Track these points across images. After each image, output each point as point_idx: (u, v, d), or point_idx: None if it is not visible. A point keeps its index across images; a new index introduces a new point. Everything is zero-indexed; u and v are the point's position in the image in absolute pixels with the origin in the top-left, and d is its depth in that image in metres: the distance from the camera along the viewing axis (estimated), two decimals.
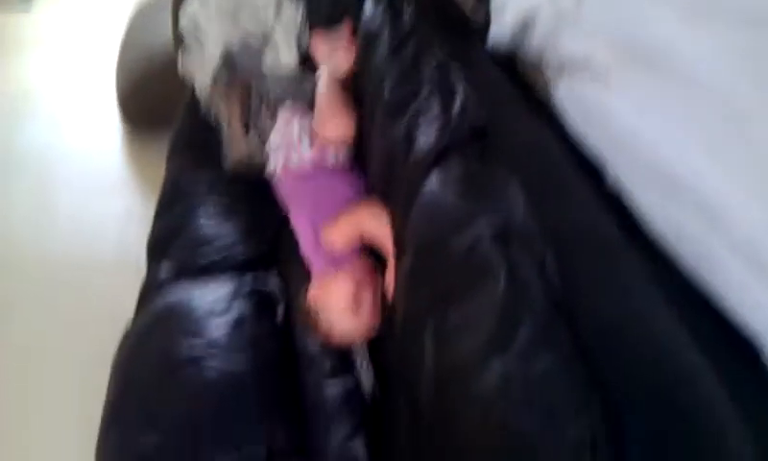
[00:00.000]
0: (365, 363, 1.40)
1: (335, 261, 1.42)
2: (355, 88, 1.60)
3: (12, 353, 2.05)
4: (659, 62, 1.06)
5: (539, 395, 0.75)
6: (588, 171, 1.17)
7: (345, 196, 1.51)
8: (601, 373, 0.76)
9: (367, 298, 1.35)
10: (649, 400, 0.74)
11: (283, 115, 1.71)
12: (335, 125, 1.56)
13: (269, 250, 1.77)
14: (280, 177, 1.67)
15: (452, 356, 0.88)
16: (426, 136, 1.14)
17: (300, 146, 1.61)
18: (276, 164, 1.67)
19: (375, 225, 1.35)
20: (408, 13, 1.45)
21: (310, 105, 1.88)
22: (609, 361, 0.77)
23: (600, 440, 0.69)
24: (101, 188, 2.65)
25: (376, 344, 1.39)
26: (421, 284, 1.03)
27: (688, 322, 0.84)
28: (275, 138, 1.71)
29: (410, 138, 1.18)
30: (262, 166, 2.00)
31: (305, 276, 1.52)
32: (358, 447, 1.25)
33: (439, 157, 1.10)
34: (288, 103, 2.02)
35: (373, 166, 1.35)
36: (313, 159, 1.58)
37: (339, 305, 1.36)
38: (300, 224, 1.58)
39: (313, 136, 1.61)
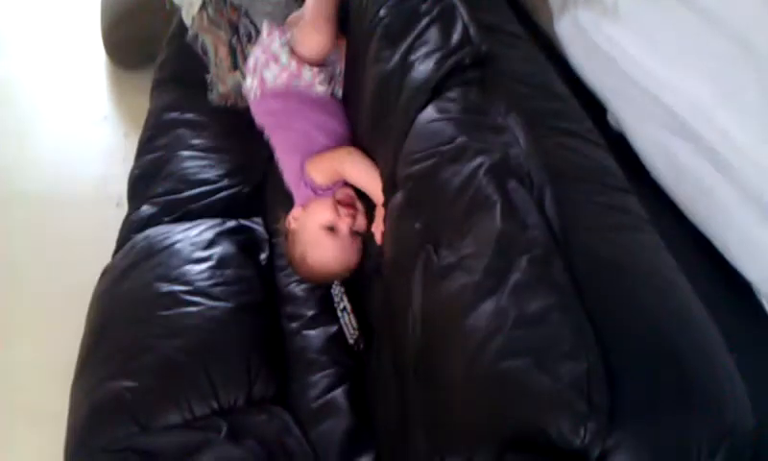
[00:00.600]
0: (348, 310, 1.35)
1: (317, 192, 1.39)
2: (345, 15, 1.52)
3: None
4: None
5: (532, 333, 0.71)
6: (590, 106, 1.12)
7: (331, 128, 1.46)
8: (596, 311, 0.71)
9: (345, 224, 1.32)
10: (643, 340, 0.70)
11: (265, 28, 1.62)
12: (314, 41, 1.48)
13: (254, 190, 1.71)
14: (258, 97, 1.59)
15: (442, 294, 0.83)
16: (424, 65, 1.07)
17: (278, 60, 1.53)
18: (254, 83, 1.59)
19: (359, 173, 1.32)
20: None
21: None
22: (604, 300, 0.73)
23: (594, 380, 0.65)
24: (84, 123, 2.56)
25: (360, 293, 1.34)
26: (413, 218, 0.98)
27: (685, 263, 0.80)
28: (255, 52, 1.62)
29: (406, 67, 1.11)
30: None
31: None
32: (339, 396, 1.22)
33: (437, 86, 1.04)
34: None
35: (363, 100, 1.28)
36: (290, 76, 1.51)
37: (315, 226, 1.33)
38: (283, 151, 1.53)
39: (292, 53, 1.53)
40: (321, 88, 1.51)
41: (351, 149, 1.38)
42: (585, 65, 1.19)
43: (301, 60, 1.50)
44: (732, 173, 0.88)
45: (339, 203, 1.34)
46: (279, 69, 1.52)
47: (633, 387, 0.67)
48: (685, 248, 0.90)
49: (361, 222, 1.33)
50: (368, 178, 1.27)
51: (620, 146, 1.08)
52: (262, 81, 1.55)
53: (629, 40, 1.06)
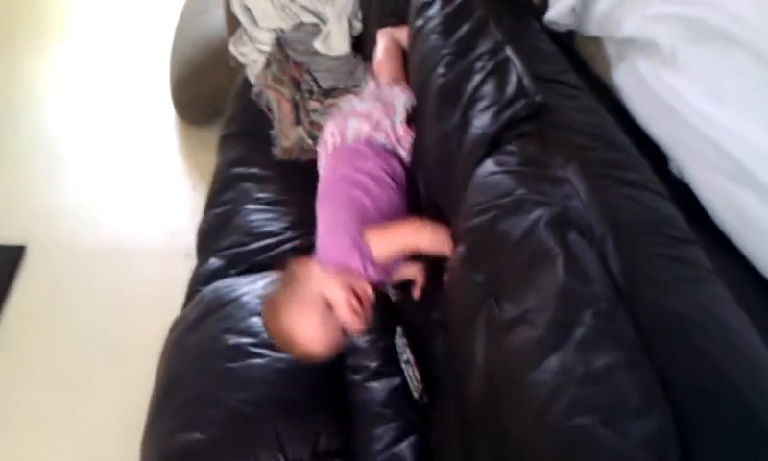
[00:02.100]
0: (411, 362, 1.35)
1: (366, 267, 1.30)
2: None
3: (63, 340, 2.09)
4: (728, 37, 0.99)
5: (599, 390, 0.70)
6: (651, 155, 1.11)
7: (392, 195, 1.41)
8: (664, 366, 0.70)
9: (345, 313, 1.23)
10: (714, 396, 0.69)
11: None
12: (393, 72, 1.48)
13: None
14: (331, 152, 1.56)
15: (506, 348, 0.83)
16: (481, 120, 1.09)
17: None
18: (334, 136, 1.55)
19: (434, 242, 1.26)
20: None
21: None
22: (672, 355, 0.72)
23: (665, 437, 0.63)
24: (154, 178, 2.67)
25: (424, 346, 1.34)
26: (474, 271, 0.98)
27: (755, 314, 0.79)
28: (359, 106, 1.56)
29: (465, 123, 1.13)
30: (312, 154, 1.99)
31: None
32: (404, 450, 1.22)
33: (494, 140, 1.05)
34: (339, 89, 2.00)
35: (427, 158, 1.30)
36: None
37: (318, 291, 1.25)
38: (343, 209, 1.42)
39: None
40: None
41: (418, 221, 1.33)
42: (644, 114, 1.18)
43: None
44: None
45: (354, 292, 1.25)
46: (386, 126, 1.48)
47: (705, 444, 0.65)
48: (754, 298, 0.87)
49: (357, 325, 1.24)
50: (444, 246, 1.21)
51: (683, 195, 1.06)
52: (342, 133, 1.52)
53: (688, 88, 1.05)
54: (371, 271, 1.29)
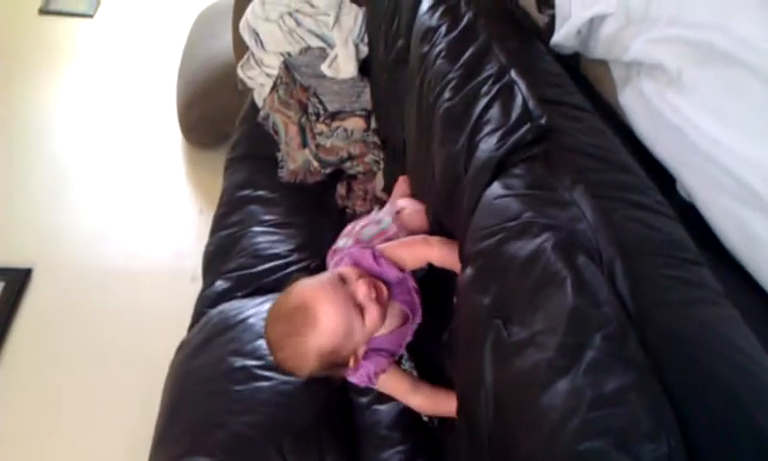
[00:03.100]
0: None
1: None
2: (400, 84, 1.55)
3: (69, 362, 2.09)
4: (734, 60, 1.00)
5: (610, 414, 0.69)
6: (658, 176, 1.11)
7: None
8: (674, 389, 0.69)
9: (369, 303, 1.18)
10: (723, 418, 0.68)
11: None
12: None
13: (322, 264, 1.75)
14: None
15: (515, 371, 0.82)
16: (487, 143, 1.09)
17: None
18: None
19: (445, 253, 1.26)
20: (468, 16, 1.40)
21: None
22: (682, 377, 0.71)
23: None
24: (161, 201, 2.69)
25: (431, 367, 1.33)
26: (482, 294, 0.97)
27: (764, 336, 0.78)
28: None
29: (472, 147, 1.13)
30: (317, 177, 2.00)
31: None
32: None
33: (501, 163, 1.05)
34: (346, 112, 2.02)
35: (434, 179, 1.30)
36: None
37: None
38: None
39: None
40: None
41: (425, 237, 1.33)
42: (651, 136, 1.18)
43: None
44: None
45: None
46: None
47: None
48: (763, 319, 0.87)
49: (374, 310, 1.18)
50: (453, 260, 1.19)
51: (691, 216, 1.06)
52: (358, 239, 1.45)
53: (695, 110, 1.05)
54: (383, 264, 1.27)
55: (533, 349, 0.80)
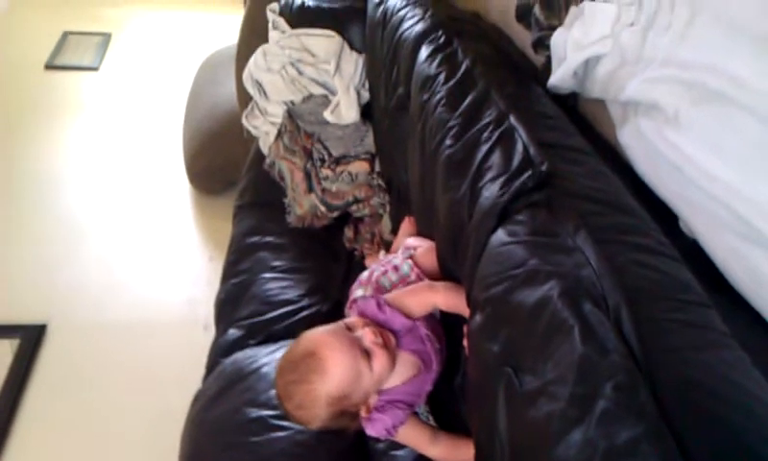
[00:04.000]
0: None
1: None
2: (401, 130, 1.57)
3: (85, 417, 2.10)
4: (729, 97, 1.01)
5: None
6: (661, 214, 1.12)
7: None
8: (685, 437, 0.70)
9: (374, 347, 1.19)
10: None
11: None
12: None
13: (333, 308, 1.77)
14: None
15: (529, 422, 0.83)
16: (490, 191, 1.11)
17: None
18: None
19: (451, 299, 1.28)
20: (465, 63, 1.43)
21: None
22: (693, 425, 0.72)
23: None
24: (170, 249, 2.72)
25: (446, 412, 1.34)
26: (491, 341, 0.99)
27: None
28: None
29: (474, 194, 1.15)
30: (324, 221, 2.03)
31: None
32: None
33: (504, 210, 1.07)
34: (350, 156, 2.05)
35: (438, 226, 1.32)
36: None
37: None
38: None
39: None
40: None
41: (431, 282, 1.36)
42: (651, 174, 1.20)
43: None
44: None
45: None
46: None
47: None
48: None
49: (381, 355, 1.20)
50: (460, 304, 1.21)
51: (695, 254, 1.07)
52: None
53: (694, 148, 1.07)
54: (388, 313, 1.29)
55: (545, 399, 0.81)
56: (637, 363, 0.77)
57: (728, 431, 0.71)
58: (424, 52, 1.55)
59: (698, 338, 0.82)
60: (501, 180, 1.11)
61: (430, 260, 1.45)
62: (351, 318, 1.29)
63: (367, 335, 1.20)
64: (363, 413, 1.22)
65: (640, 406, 0.72)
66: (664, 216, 1.13)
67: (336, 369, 1.15)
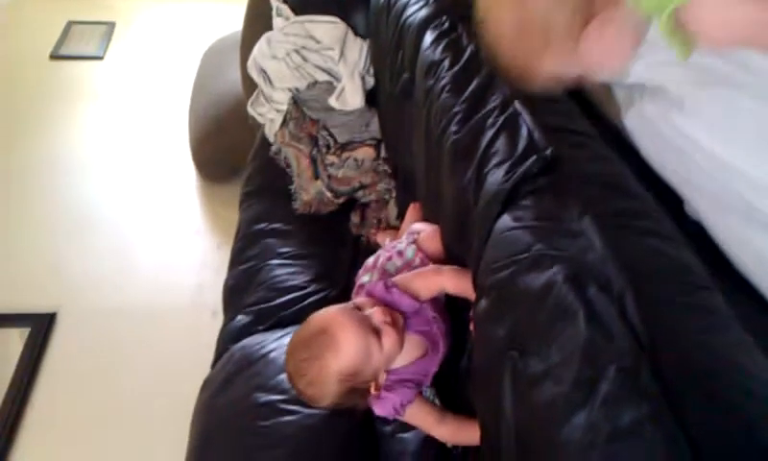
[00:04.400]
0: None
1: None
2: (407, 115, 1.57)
3: (95, 404, 2.13)
4: (736, 81, 1.01)
5: (626, 447, 0.71)
6: (666, 197, 1.13)
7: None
8: (689, 419, 0.71)
9: (384, 327, 1.21)
10: (738, 447, 0.70)
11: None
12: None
13: (340, 293, 1.78)
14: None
15: (534, 405, 0.85)
16: (495, 176, 1.12)
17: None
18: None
19: (459, 282, 1.29)
20: (470, 49, 1.43)
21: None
22: (696, 407, 0.73)
23: None
24: (178, 237, 2.73)
25: (453, 394, 1.35)
26: (497, 325, 1.00)
27: None
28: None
29: (480, 179, 1.16)
30: (331, 207, 2.03)
31: None
32: None
33: (509, 196, 1.08)
34: (355, 142, 2.05)
35: (444, 211, 1.33)
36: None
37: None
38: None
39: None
40: None
41: (438, 266, 1.37)
42: (657, 157, 1.20)
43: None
44: None
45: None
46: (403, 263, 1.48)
47: None
48: None
49: (391, 334, 1.21)
50: (467, 288, 1.23)
51: (700, 237, 1.07)
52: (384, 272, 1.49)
53: (699, 132, 1.07)
54: (395, 294, 1.31)
55: (550, 382, 0.82)
56: (641, 346, 0.78)
57: (730, 413, 0.72)
58: (429, 37, 1.55)
59: (701, 321, 0.83)
60: (506, 165, 1.12)
61: (434, 244, 1.47)
62: (360, 298, 1.31)
63: (376, 314, 1.23)
64: (373, 391, 1.24)
65: (643, 389, 0.73)
66: (669, 199, 1.14)
67: (348, 345, 1.17)
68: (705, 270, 0.92)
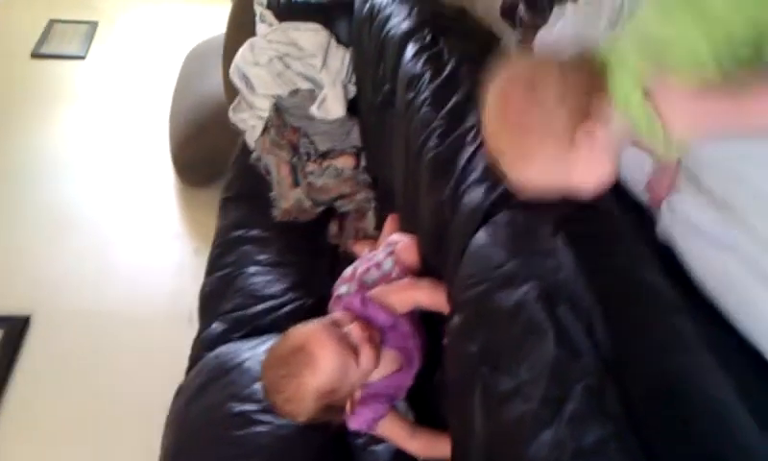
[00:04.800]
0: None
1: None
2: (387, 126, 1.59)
3: (68, 408, 2.10)
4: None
5: None
6: (637, 218, 1.14)
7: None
8: (652, 439, 0.73)
9: (362, 345, 1.22)
10: None
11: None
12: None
13: (317, 302, 1.78)
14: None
15: (503, 422, 0.86)
16: (474, 193, 1.13)
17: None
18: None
19: (434, 296, 1.30)
20: (451, 63, 1.45)
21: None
22: (660, 427, 0.74)
23: None
24: (156, 241, 2.71)
25: (426, 407, 1.36)
26: (470, 341, 1.01)
27: (740, 380, 0.81)
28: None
29: (458, 196, 1.17)
30: (310, 215, 2.04)
31: None
32: None
33: (486, 214, 1.09)
34: (336, 150, 2.06)
35: (422, 225, 1.34)
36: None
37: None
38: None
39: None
40: None
41: (414, 279, 1.39)
42: (628, 179, 1.21)
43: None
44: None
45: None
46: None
47: None
48: (738, 362, 0.90)
49: (367, 350, 1.22)
50: (442, 302, 1.25)
51: (668, 256, 1.09)
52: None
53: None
54: (372, 309, 1.32)
55: (519, 399, 0.84)
56: (607, 366, 0.80)
57: (691, 433, 0.73)
58: (410, 50, 1.57)
59: (667, 342, 0.84)
60: (485, 184, 1.13)
61: (411, 255, 1.48)
62: (339, 313, 1.32)
63: (355, 330, 1.23)
64: (348, 408, 1.24)
65: (608, 409, 0.75)
66: (640, 219, 1.15)
67: (326, 363, 1.18)
68: (673, 292, 0.94)
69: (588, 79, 0.86)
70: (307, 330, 1.25)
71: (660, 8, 0.80)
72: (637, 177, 1.21)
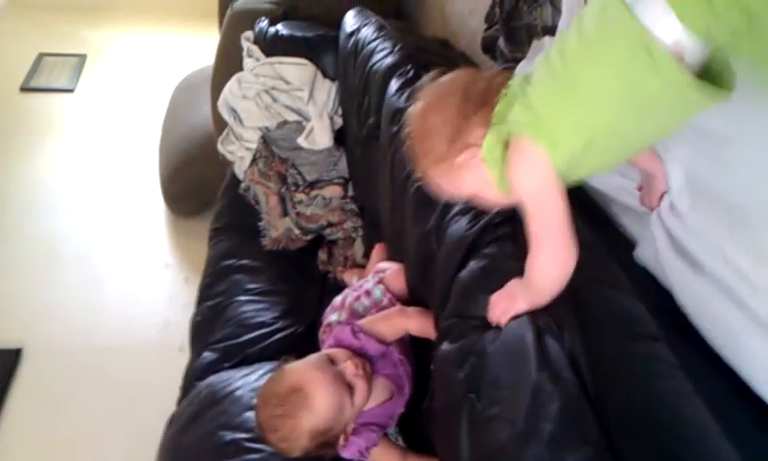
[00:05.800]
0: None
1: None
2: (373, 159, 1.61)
3: (60, 441, 2.10)
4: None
5: None
6: (616, 244, 1.18)
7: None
8: None
9: (356, 378, 1.25)
10: None
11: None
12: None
13: (306, 330, 1.80)
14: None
15: (487, 447, 0.88)
16: (458, 224, 1.17)
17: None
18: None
19: (423, 324, 1.34)
20: None
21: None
22: (637, 453, 0.77)
23: None
24: (147, 271, 2.73)
25: (416, 434, 1.39)
26: (457, 369, 1.04)
27: (717, 407, 0.84)
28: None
29: (443, 227, 1.20)
30: (299, 243, 2.07)
31: None
32: None
33: (473, 243, 1.12)
34: (323, 180, 2.10)
35: (408, 254, 1.37)
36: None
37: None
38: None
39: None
40: None
41: (402, 308, 1.42)
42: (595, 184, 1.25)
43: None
44: (752, 312, 0.92)
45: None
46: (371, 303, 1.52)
47: None
48: (717, 386, 0.93)
49: (361, 383, 1.25)
50: (429, 330, 1.29)
51: (647, 282, 1.12)
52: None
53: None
54: (363, 339, 1.34)
55: (501, 424, 0.86)
56: (587, 391, 0.83)
57: (670, 458, 0.76)
58: (394, 85, 1.61)
59: (646, 369, 0.88)
60: (469, 215, 1.16)
61: (399, 282, 1.51)
62: (334, 350, 1.33)
63: (349, 368, 1.25)
64: (341, 442, 1.27)
65: (586, 433, 0.78)
66: (619, 246, 1.19)
67: (322, 405, 1.20)
68: (652, 319, 0.97)
69: (480, 111, 0.91)
70: (304, 371, 1.26)
71: (551, 81, 0.85)
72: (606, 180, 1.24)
